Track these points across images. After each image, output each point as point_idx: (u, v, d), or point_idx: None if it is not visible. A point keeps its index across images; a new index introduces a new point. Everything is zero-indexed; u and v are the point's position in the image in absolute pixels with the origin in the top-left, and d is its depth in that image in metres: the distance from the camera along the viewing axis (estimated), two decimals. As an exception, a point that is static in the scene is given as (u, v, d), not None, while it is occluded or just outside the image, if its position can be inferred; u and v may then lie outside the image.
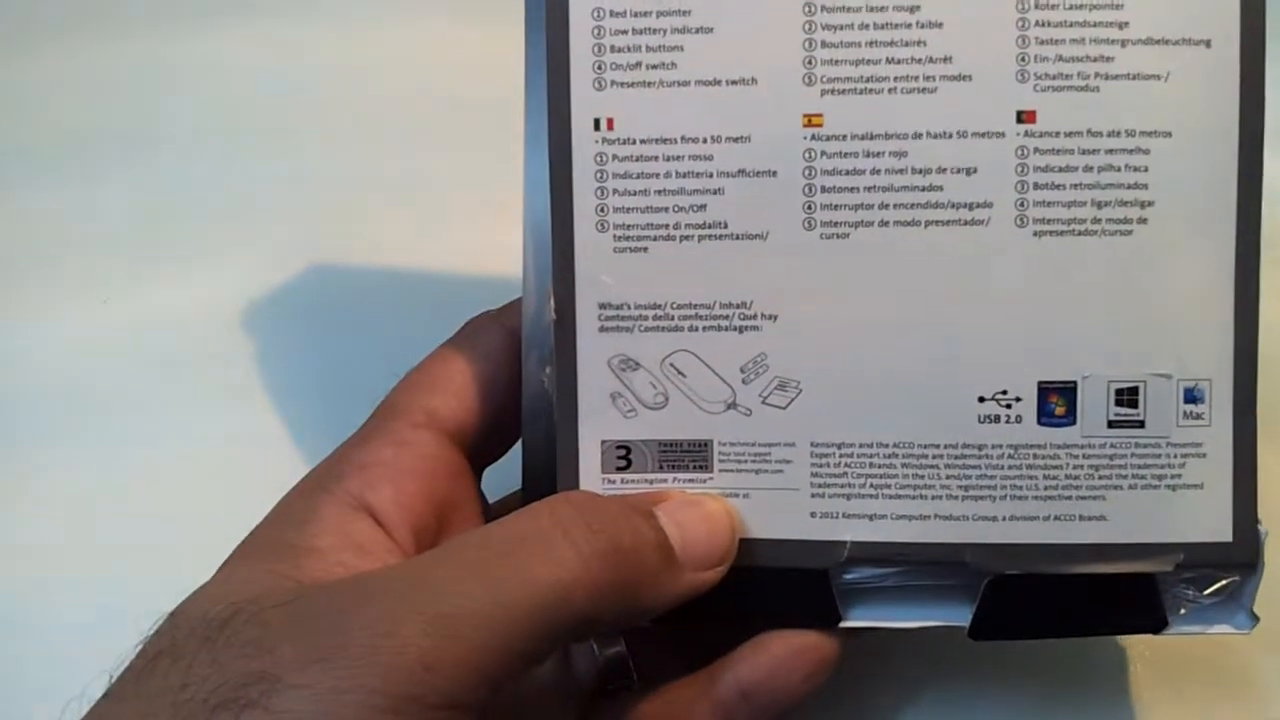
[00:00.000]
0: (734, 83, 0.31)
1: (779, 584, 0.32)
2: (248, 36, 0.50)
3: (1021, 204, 0.31)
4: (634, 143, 0.32)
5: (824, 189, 0.31)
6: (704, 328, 0.32)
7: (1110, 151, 0.31)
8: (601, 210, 0.32)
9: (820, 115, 0.31)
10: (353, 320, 0.45)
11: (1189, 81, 0.31)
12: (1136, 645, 0.38)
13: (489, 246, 0.38)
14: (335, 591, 0.27)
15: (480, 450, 0.34)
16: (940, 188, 0.31)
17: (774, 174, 0.31)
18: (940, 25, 0.31)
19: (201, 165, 0.48)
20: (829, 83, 0.31)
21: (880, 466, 0.32)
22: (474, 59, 0.46)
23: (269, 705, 0.24)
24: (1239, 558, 0.32)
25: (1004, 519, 0.32)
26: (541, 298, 0.32)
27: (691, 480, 0.32)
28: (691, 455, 0.32)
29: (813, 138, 0.31)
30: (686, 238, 0.32)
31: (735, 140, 0.31)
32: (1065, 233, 0.31)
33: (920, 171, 0.31)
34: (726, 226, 0.32)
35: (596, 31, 0.31)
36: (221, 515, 0.30)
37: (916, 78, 0.31)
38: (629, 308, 0.32)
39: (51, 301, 0.46)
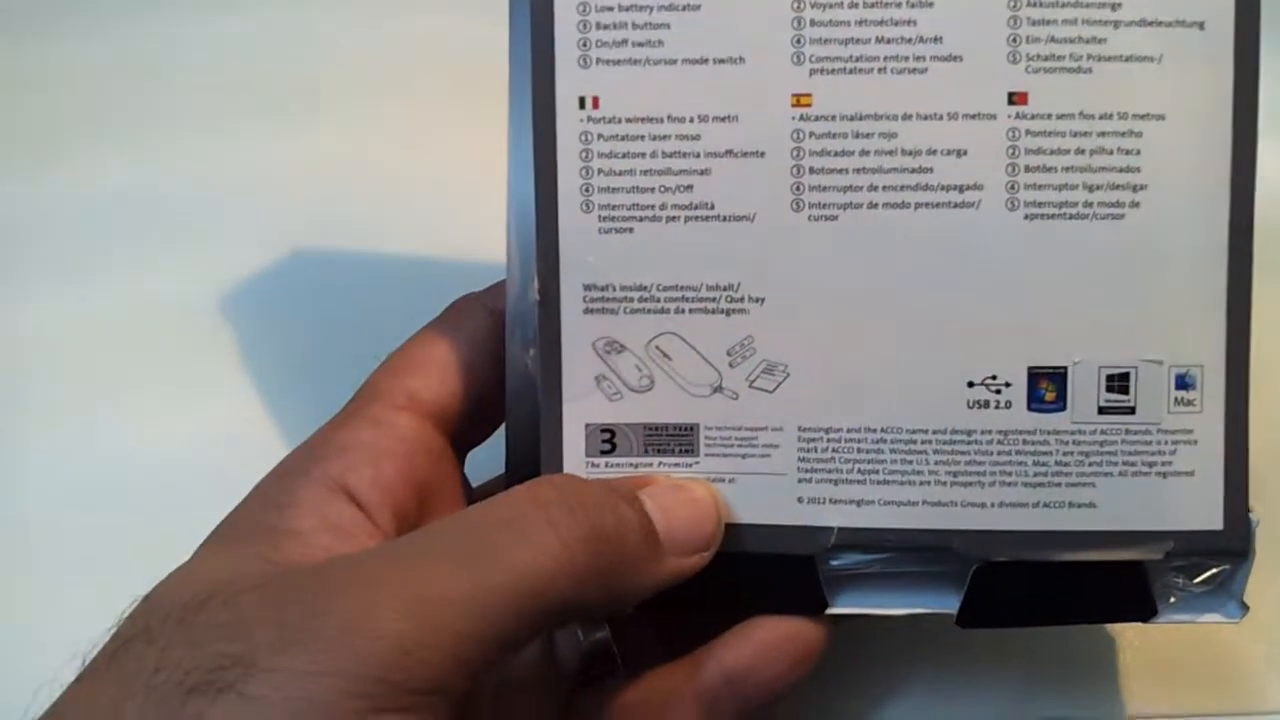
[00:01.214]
0: (721, 61, 0.31)
1: (765, 570, 0.32)
2: (239, 19, 0.50)
3: (1012, 186, 0.31)
4: (619, 122, 0.31)
5: (812, 170, 0.31)
6: (690, 310, 0.32)
7: (1102, 134, 0.31)
8: (586, 190, 0.31)
9: (809, 95, 0.31)
10: (335, 302, 0.45)
11: (1182, 64, 0.31)
12: (1126, 633, 0.38)
13: (473, 227, 0.38)
14: (312, 574, 0.26)
15: (463, 433, 0.33)
16: (930, 169, 0.31)
17: (762, 154, 0.31)
18: (931, 4, 0.30)
19: (185, 151, 0.48)
20: (818, 62, 0.31)
21: (868, 452, 0.32)
22: (460, 40, 0.46)
23: (243, 689, 0.23)
24: (1230, 546, 0.31)
25: (993, 505, 0.31)
26: (525, 279, 0.32)
27: (677, 464, 0.32)
28: (677, 439, 0.32)
29: (801, 118, 0.31)
30: (673, 218, 0.31)
31: (722, 120, 0.31)
32: (1056, 216, 0.31)
33: (910, 153, 0.31)
34: (713, 207, 0.31)
35: (582, 8, 0.31)
36: (200, 498, 0.30)
37: (907, 58, 0.31)
38: (614, 289, 0.32)
39: (35, 286, 0.46)
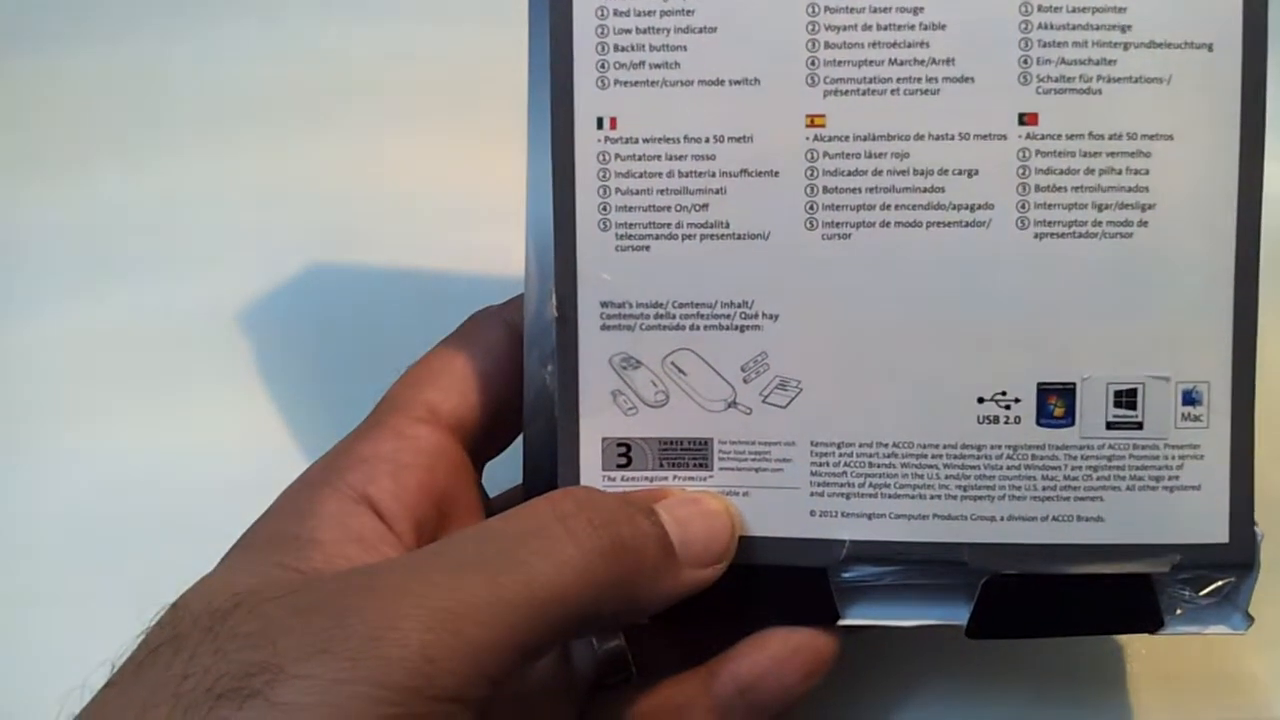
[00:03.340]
0: (737, 83, 0.31)
1: (778, 582, 0.32)
2: (247, 35, 0.50)
3: (1023, 206, 0.31)
4: (637, 142, 0.32)
5: (826, 189, 0.31)
6: (705, 326, 0.32)
7: (1112, 154, 0.31)
8: (604, 209, 0.32)
9: (823, 116, 0.31)
10: (355, 315, 0.45)
11: (1191, 84, 0.31)
12: (1133, 644, 0.39)
13: (491, 244, 0.38)
14: (337, 584, 0.27)
15: (481, 445, 0.34)
16: (942, 189, 0.31)
17: (776, 174, 0.32)
18: (943, 27, 0.31)
19: (201, 163, 0.48)
20: (832, 83, 0.31)
21: (880, 466, 0.32)
22: (476, 56, 0.46)
23: (271, 696, 0.24)
24: (1235, 559, 0.32)
25: (1002, 519, 0.32)
26: (543, 295, 0.32)
27: (692, 478, 0.33)
28: (692, 453, 0.33)
29: (815, 138, 0.31)
30: (688, 237, 0.32)
31: (738, 140, 0.31)
32: (1066, 235, 0.31)
33: (922, 173, 0.31)
34: (728, 226, 0.32)
35: (600, 30, 0.31)
36: (223, 508, 0.31)
37: (919, 79, 0.31)
38: (630, 306, 0.32)
39: (50, 299, 0.46)
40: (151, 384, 0.44)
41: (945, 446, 0.32)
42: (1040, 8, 0.31)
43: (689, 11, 0.31)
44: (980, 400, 0.32)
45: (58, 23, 0.51)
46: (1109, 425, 0.32)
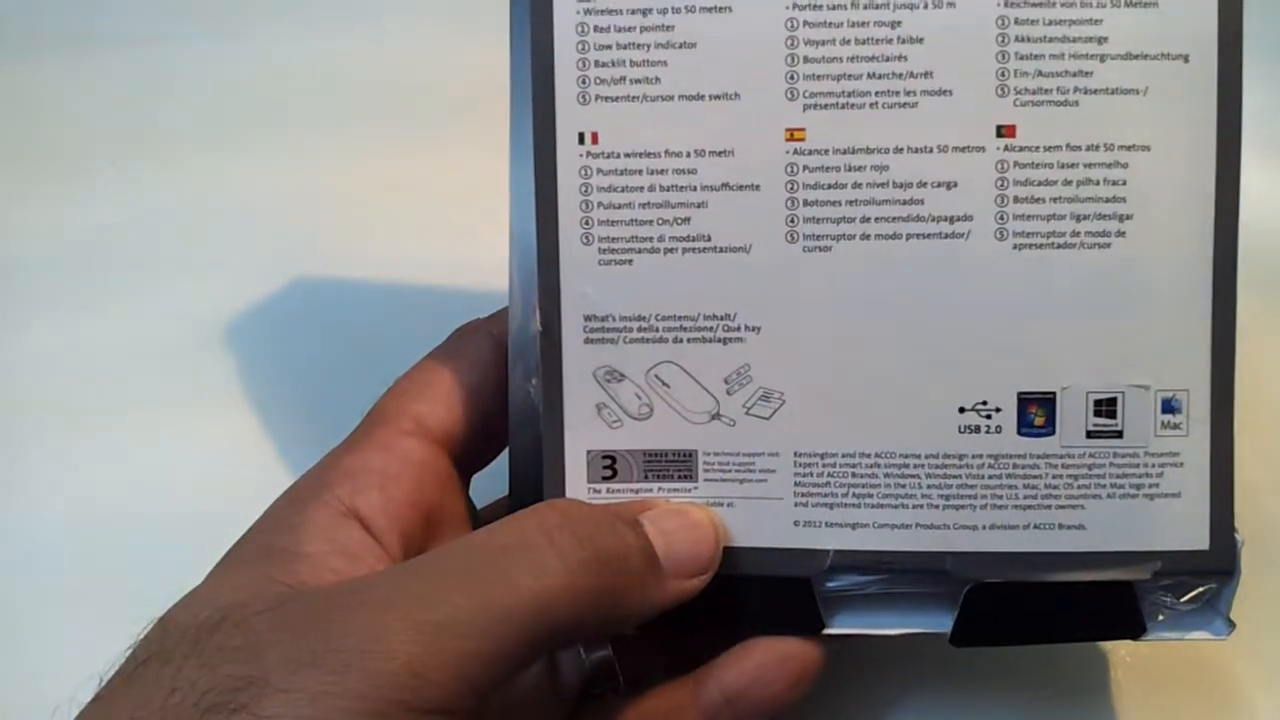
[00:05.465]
0: (717, 97, 0.32)
1: (763, 592, 0.33)
2: (240, 46, 0.50)
3: (1001, 217, 0.31)
4: (618, 156, 0.32)
5: (806, 202, 0.32)
6: (688, 339, 0.32)
7: (1089, 165, 0.31)
8: (586, 223, 0.32)
9: (802, 130, 0.32)
10: (342, 328, 0.46)
11: (1167, 96, 0.31)
12: (1116, 650, 0.39)
13: (476, 258, 0.38)
14: (323, 597, 0.27)
15: (468, 457, 0.34)
16: (921, 201, 0.31)
17: (757, 187, 0.32)
18: (921, 40, 0.31)
19: (192, 174, 0.48)
20: (811, 97, 0.31)
21: (862, 476, 0.32)
22: (461, 70, 0.47)
23: (257, 709, 0.24)
24: (1216, 565, 0.32)
25: (984, 528, 0.32)
26: (527, 309, 0.33)
27: (676, 490, 0.33)
28: (676, 465, 0.33)
29: (795, 152, 0.32)
30: (670, 250, 0.32)
31: (718, 154, 0.32)
32: (1045, 245, 0.31)
33: (901, 185, 0.31)
34: (710, 239, 0.32)
35: (581, 46, 0.32)
36: (210, 522, 0.31)
37: (898, 93, 0.31)
38: (614, 319, 0.32)
39: (46, 310, 0.46)
40: (142, 396, 0.44)
41: (927, 456, 0.32)
42: (1017, 20, 0.31)
43: (669, 27, 0.32)
44: (961, 410, 0.32)
45: (57, 33, 0.51)
46: (1089, 434, 0.32)
